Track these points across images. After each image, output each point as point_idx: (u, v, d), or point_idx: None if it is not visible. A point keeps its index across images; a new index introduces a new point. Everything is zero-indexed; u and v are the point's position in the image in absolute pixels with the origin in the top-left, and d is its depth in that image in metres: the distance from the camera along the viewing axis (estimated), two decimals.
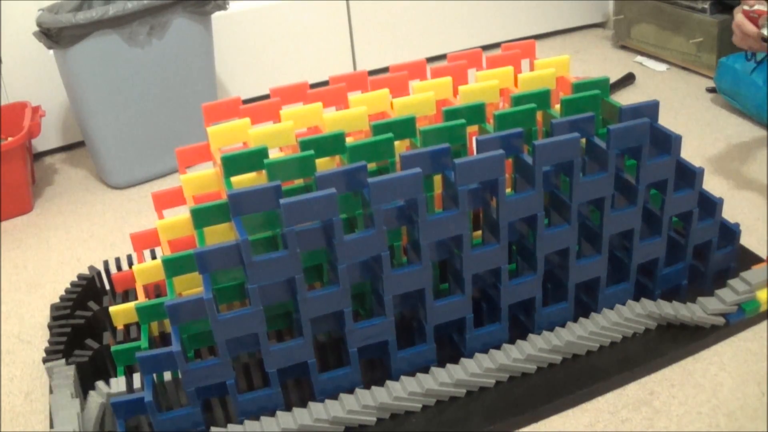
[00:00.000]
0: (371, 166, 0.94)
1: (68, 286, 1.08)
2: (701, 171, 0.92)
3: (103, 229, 1.36)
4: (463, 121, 0.92)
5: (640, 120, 0.87)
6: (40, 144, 1.65)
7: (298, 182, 0.90)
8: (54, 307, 1.06)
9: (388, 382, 0.85)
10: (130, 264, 1.09)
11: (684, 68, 1.76)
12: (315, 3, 1.77)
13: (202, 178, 0.97)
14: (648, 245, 0.93)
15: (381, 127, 0.93)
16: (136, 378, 0.88)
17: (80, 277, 1.09)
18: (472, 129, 0.98)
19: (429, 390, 0.85)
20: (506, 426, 0.83)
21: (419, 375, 0.86)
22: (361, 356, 0.87)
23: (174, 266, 0.90)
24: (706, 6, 1.64)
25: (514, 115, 0.93)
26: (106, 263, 1.09)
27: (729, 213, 1.15)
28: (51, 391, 0.90)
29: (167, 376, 0.88)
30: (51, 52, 1.39)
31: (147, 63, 1.43)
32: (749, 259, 1.04)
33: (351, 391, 0.86)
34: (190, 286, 0.94)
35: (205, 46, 1.51)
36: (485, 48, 2.00)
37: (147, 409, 0.80)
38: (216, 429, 0.82)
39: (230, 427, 0.82)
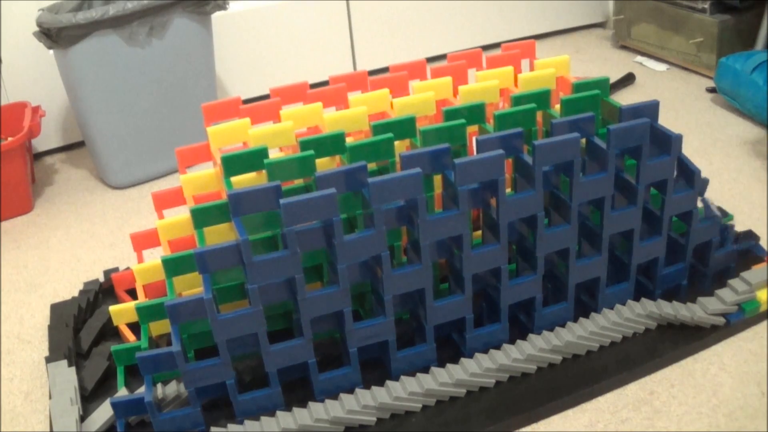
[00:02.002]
0: (371, 166, 0.94)
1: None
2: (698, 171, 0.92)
3: (103, 229, 1.36)
4: (463, 121, 0.92)
5: (640, 120, 0.87)
6: (40, 144, 1.65)
7: (298, 182, 0.90)
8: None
9: (388, 382, 0.85)
10: None
11: (684, 68, 1.76)
12: (315, 3, 1.77)
13: (202, 178, 0.97)
14: (648, 245, 0.93)
15: (381, 127, 0.93)
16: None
17: None
18: (472, 129, 0.98)
19: (429, 390, 0.84)
20: (506, 426, 0.83)
21: (419, 375, 0.86)
22: (361, 356, 0.87)
23: (174, 266, 0.90)
24: (706, 6, 1.64)
25: (514, 115, 0.93)
26: None
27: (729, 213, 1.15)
28: (50, 395, 0.90)
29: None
30: (51, 52, 1.39)
31: (147, 63, 1.43)
32: (749, 259, 1.04)
33: (351, 391, 0.86)
34: (190, 286, 0.94)
35: (205, 46, 1.51)
36: (485, 48, 2.00)
37: (147, 409, 0.80)
38: (216, 429, 0.82)
39: (230, 427, 0.82)
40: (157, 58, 1.44)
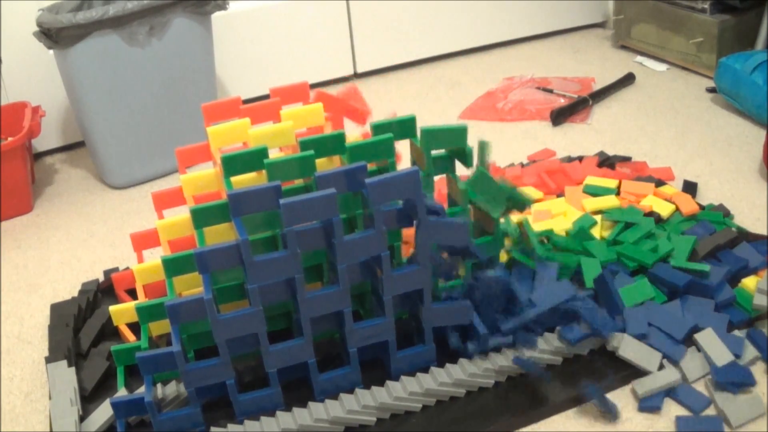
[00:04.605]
0: (371, 166, 0.94)
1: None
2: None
3: (103, 229, 1.36)
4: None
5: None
6: (40, 144, 1.65)
7: (298, 182, 0.90)
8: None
9: (388, 382, 0.85)
10: None
11: (684, 68, 1.76)
12: (315, 3, 1.77)
13: (202, 178, 0.97)
14: None
15: (381, 127, 0.93)
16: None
17: None
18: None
19: (429, 390, 0.84)
20: (506, 426, 0.83)
21: (419, 375, 0.86)
22: (361, 356, 0.87)
23: (174, 266, 0.90)
24: (706, 6, 1.64)
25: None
26: None
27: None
28: (50, 396, 0.90)
29: None
30: (51, 52, 1.39)
31: (147, 63, 1.43)
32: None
33: (351, 391, 0.86)
34: (190, 286, 0.94)
35: (205, 46, 1.51)
36: (486, 48, 2.00)
37: (147, 409, 0.80)
38: (216, 429, 0.82)
39: (230, 427, 0.82)
40: (157, 58, 1.44)
